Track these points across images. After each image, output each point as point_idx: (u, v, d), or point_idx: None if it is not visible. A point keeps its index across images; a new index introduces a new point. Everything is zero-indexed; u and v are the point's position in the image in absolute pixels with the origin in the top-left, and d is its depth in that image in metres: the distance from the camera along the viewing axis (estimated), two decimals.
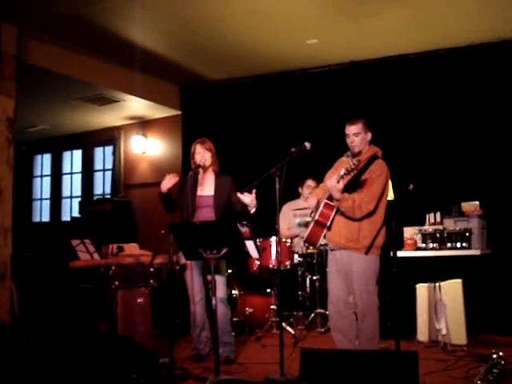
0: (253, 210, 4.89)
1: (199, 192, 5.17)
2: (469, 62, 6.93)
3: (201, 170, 5.20)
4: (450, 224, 5.89)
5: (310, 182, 6.82)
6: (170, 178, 4.98)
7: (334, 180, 4.16)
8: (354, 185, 4.29)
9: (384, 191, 4.36)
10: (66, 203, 10.80)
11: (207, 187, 5.20)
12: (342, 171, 4.16)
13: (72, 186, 10.75)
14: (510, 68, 6.70)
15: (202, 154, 5.19)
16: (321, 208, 4.36)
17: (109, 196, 9.75)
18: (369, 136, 4.47)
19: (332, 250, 4.48)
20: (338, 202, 4.21)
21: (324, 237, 4.44)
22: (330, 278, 4.52)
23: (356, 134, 4.42)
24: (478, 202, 5.99)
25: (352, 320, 4.43)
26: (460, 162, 6.86)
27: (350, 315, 4.42)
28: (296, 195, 7.02)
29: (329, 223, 4.35)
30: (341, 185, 4.14)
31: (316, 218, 4.38)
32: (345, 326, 4.41)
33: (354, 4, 5.96)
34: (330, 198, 4.30)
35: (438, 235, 5.82)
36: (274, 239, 6.29)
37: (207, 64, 7.88)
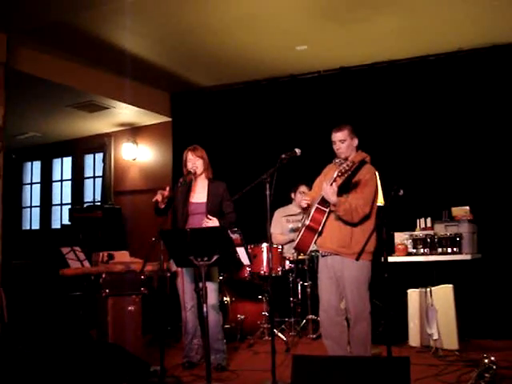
0: None
1: (191, 199, 5.18)
2: (458, 67, 6.97)
3: (193, 177, 5.19)
4: (441, 229, 5.90)
5: (303, 188, 6.81)
6: (163, 195, 5.02)
7: (328, 183, 4.18)
8: (344, 189, 4.29)
9: (375, 196, 4.37)
10: (56, 211, 10.76)
11: (200, 194, 5.20)
12: (336, 173, 4.18)
13: (62, 193, 10.71)
14: (500, 73, 6.74)
15: (194, 162, 5.19)
16: (312, 213, 4.35)
17: (99, 203, 9.71)
18: (355, 142, 4.48)
19: (323, 256, 4.47)
20: (335, 206, 4.20)
21: (314, 243, 4.43)
22: (321, 285, 4.51)
23: (342, 141, 4.43)
24: (468, 207, 6.01)
25: (343, 327, 4.42)
26: (450, 167, 6.88)
27: (342, 322, 4.41)
28: (287, 201, 7.02)
29: (320, 228, 4.34)
30: (335, 187, 4.16)
31: (307, 223, 4.37)
32: (336, 333, 4.40)
33: (344, 10, 5.98)
34: (322, 202, 4.29)
35: (428, 240, 5.83)
36: (265, 245, 6.28)
37: (197, 71, 7.88)
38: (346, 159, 4.39)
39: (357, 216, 4.21)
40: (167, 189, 5.05)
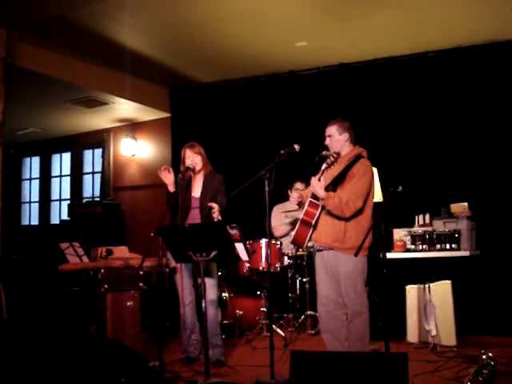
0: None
1: (191, 193, 5.22)
2: (458, 64, 6.96)
3: (192, 173, 5.21)
4: (439, 225, 5.91)
5: (298, 185, 6.84)
6: (167, 175, 5.10)
7: (316, 177, 4.20)
8: (338, 184, 4.29)
9: (370, 190, 4.34)
10: (55, 206, 10.76)
11: (197, 188, 5.25)
12: (324, 166, 4.20)
13: (61, 188, 10.72)
14: (500, 70, 6.74)
15: (192, 159, 5.21)
16: (305, 207, 4.36)
17: (98, 199, 9.72)
18: (345, 137, 4.45)
19: (319, 251, 4.48)
20: (324, 200, 4.20)
21: (310, 237, 4.43)
22: (319, 280, 4.51)
23: (329, 136, 4.46)
24: (466, 204, 6.01)
25: (342, 321, 4.42)
26: (449, 164, 6.89)
27: (341, 316, 4.41)
28: (285, 198, 7.02)
29: (314, 222, 4.34)
30: (322, 181, 4.17)
31: (301, 216, 4.38)
32: (335, 327, 4.40)
33: (343, 6, 5.97)
34: (314, 196, 4.30)
35: (427, 236, 5.84)
36: (263, 241, 6.28)
37: (196, 66, 7.88)
38: (337, 154, 4.40)
39: (348, 210, 4.20)
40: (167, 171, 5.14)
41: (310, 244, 4.62)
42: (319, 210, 4.31)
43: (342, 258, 4.29)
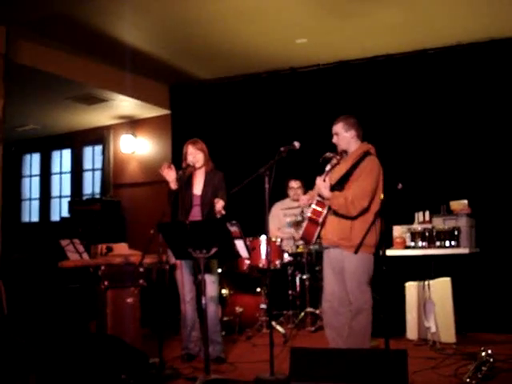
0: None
1: (192, 191, 5.21)
2: (457, 61, 6.97)
3: (193, 170, 5.20)
4: (439, 223, 5.91)
5: (292, 184, 6.86)
6: (169, 172, 5.06)
7: (321, 178, 4.20)
8: (345, 181, 4.29)
9: (377, 188, 4.32)
10: (55, 203, 10.76)
11: (198, 186, 5.24)
12: (328, 166, 4.21)
13: (61, 185, 10.72)
14: (499, 67, 6.75)
15: (195, 155, 5.19)
16: (312, 205, 4.37)
17: (98, 196, 9.73)
18: (351, 134, 4.43)
19: (326, 248, 4.48)
20: (329, 200, 4.21)
21: (319, 234, 4.43)
22: (325, 276, 4.51)
23: (335, 134, 4.46)
24: (466, 201, 6.02)
25: (346, 318, 4.41)
26: (448, 161, 6.90)
27: (345, 313, 4.39)
28: (285, 195, 7.03)
29: (321, 220, 4.33)
30: (327, 181, 4.17)
31: (308, 215, 4.38)
32: (338, 324, 4.39)
33: (343, 4, 5.98)
34: None
35: (426, 234, 5.84)
36: (263, 238, 6.29)
37: (196, 63, 7.88)
38: (345, 152, 4.41)
39: (354, 209, 4.19)
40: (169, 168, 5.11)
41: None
42: (326, 208, 4.31)
43: (346, 255, 4.27)
